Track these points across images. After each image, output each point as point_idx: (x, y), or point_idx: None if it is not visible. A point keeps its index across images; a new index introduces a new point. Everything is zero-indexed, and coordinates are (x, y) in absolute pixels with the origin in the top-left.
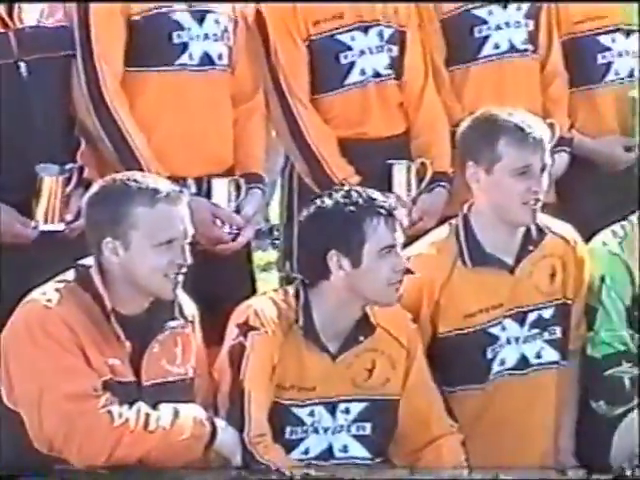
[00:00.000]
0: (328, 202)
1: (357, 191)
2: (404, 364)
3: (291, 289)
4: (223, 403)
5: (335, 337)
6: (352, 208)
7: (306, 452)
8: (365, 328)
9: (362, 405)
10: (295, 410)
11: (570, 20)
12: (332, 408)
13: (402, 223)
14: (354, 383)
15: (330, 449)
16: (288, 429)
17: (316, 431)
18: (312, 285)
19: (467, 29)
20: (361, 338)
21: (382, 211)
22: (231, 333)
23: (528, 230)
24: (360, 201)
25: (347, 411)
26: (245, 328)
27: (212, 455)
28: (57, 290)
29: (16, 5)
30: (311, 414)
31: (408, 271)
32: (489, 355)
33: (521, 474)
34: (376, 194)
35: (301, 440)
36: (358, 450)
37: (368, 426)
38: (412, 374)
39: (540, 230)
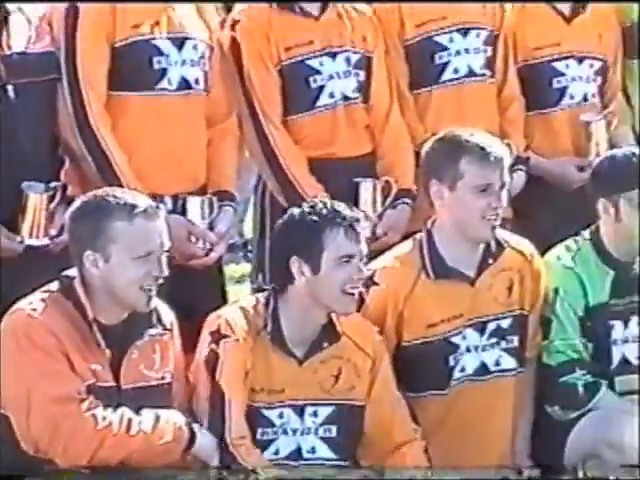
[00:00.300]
0: (296, 212)
1: (323, 203)
2: (369, 373)
3: (262, 297)
4: (203, 408)
5: (301, 343)
6: (315, 218)
7: (276, 452)
8: (330, 335)
9: (329, 409)
10: (265, 412)
11: (527, 47)
12: (300, 411)
13: (364, 235)
14: (322, 388)
15: (299, 450)
16: (259, 430)
17: (285, 432)
18: (280, 292)
19: (429, 55)
20: (325, 344)
21: (343, 222)
22: (204, 341)
23: (488, 245)
24: (324, 212)
25: (315, 414)
26: (217, 336)
27: (190, 458)
28: (42, 300)
29: (4, 32)
30: (280, 416)
31: (373, 283)
32: (451, 362)
33: (481, 474)
34: (340, 206)
35: (272, 441)
36: (325, 452)
37: (334, 429)
38: (377, 383)
39: (499, 244)
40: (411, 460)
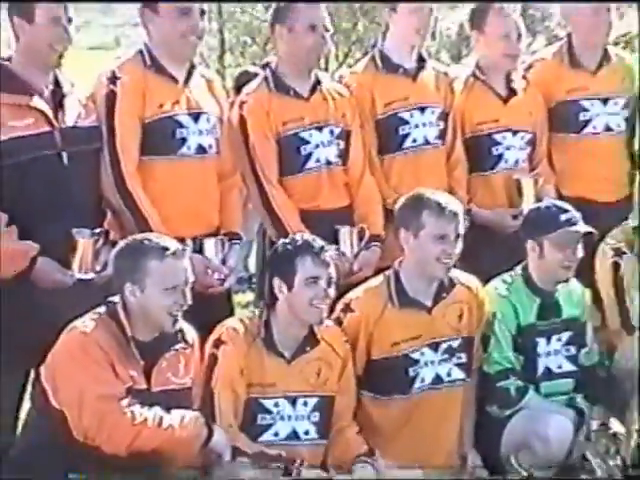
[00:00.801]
0: (279, 244)
1: (299, 236)
2: (339, 370)
3: (257, 311)
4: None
5: (289, 347)
6: (290, 247)
7: (276, 434)
8: (311, 341)
9: (315, 399)
10: (262, 401)
11: (472, 122)
12: (292, 401)
13: (330, 261)
14: (307, 382)
15: (295, 432)
16: (259, 416)
17: (282, 418)
18: (271, 306)
19: (394, 128)
20: (307, 349)
21: (311, 250)
22: (209, 347)
23: (443, 281)
24: (298, 243)
25: (305, 404)
26: (218, 342)
27: (206, 452)
28: (92, 320)
29: (60, 110)
30: (276, 405)
31: (349, 310)
32: (411, 374)
33: (435, 473)
34: (312, 239)
35: (270, 425)
36: (315, 434)
37: (319, 415)
38: (344, 378)
39: (452, 281)
40: (354, 438)
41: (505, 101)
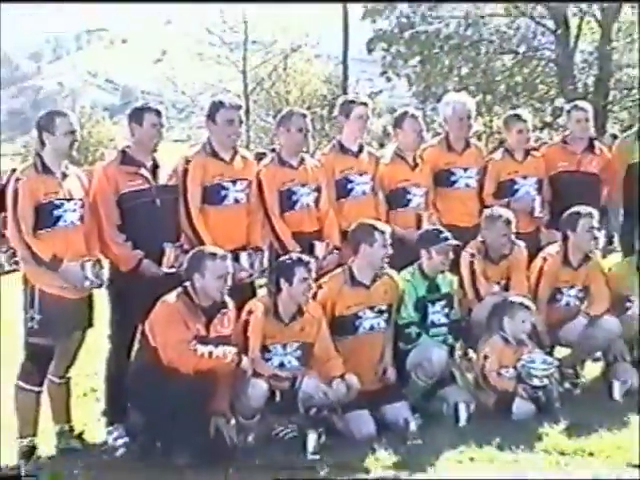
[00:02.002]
0: (283, 259)
1: (296, 255)
2: (316, 327)
3: (271, 295)
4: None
5: (287, 316)
6: (290, 261)
7: (282, 365)
8: (300, 312)
9: (298, 344)
10: (271, 347)
11: (395, 180)
12: (284, 346)
13: (313, 269)
14: (297, 336)
15: (282, 364)
16: (266, 355)
17: (276, 355)
18: (277, 294)
19: (344, 185)
20: (297, 317)
21: (303, 262)
22: (244, 314)
23: (377, 272)
24: (293, 258)
25: (292, 347)
26: (249, 312)
27: (238, 370)
28: (175, 295)
29: (155, 176)
30: (274, 348)
31: (320, 287)
32: (357, 324)
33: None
34: (303, 256)
35: (271, 359)
36: (296, 364)
37: (301, 353)
38: (320, 331)
39: (382, 273)
40: (335, 365)
41: (413, 168)
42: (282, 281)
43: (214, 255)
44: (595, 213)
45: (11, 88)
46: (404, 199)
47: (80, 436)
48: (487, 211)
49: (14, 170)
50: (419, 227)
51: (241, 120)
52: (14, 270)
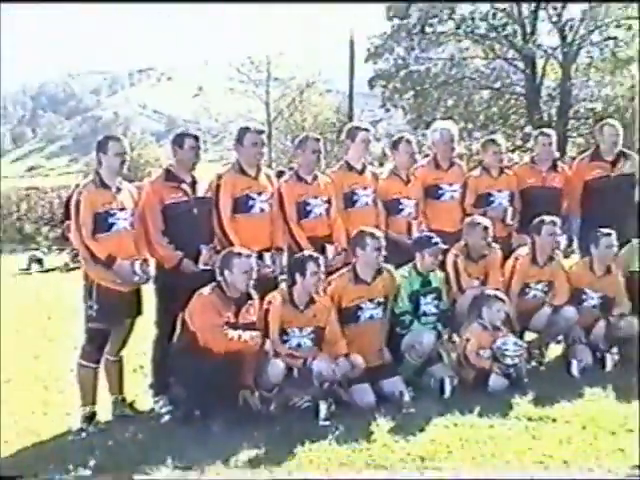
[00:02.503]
0: (296, 256)
1: (308, 252)
2: (326, 313)
3: (287, 287)
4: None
5: (301, 304)
6: (303, 257)
7: (299, 345)
8: (312, 301)
9: (311, 328)
10: (289, 330)
11: (390, 193)
12: (300, 329)
13: (322, 264)
14: (310, 321)
15: (299, 344)
16: (284, 337)
17: (294, 336)
18: (292, 285)
19: (350, 197)
20: (310, 305)
21: (314, 259)
22: (265, 304)
23: (379, 269)
24: (305, 255)
25: (307, 330)
26: (269, 302)
27: (260, 351)
28: (210, 288)
29: (194, 190)
30: (292, 331)
31: (329, 284)
32: (359, 314)
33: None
34: (314, 254)
35: (288, 340)
36: (311, 345)
37: (315, 336)
38: (330, 317)
39: (381, 269)
40: (342, 346)
41: (406, 183)
42: (297, 275)
43: (240, 254)
44: (557, 221)
45: (76, 117)
46: (397, 209)
47: (131, 405)
48: (468, 219)
49: (77, 185)
50: (409, 232)
51: (264, 143)
52: (77, 267)
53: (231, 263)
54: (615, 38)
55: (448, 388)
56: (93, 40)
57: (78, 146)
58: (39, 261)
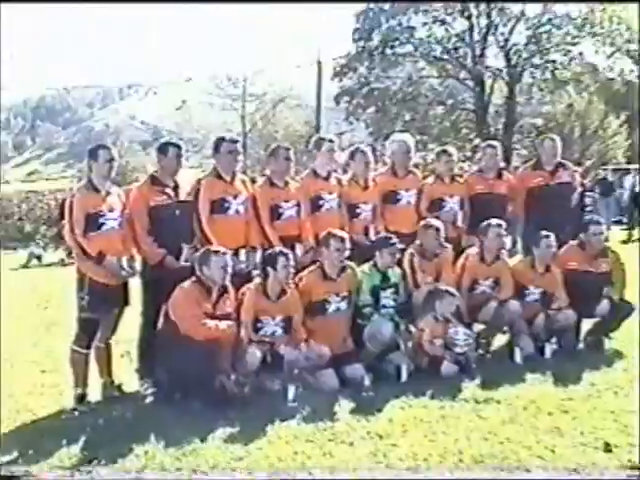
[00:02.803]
0: (270, 251)
1: (279, 249)
2: (295, 304)
3: (261, 279)
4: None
5: (274, 295)
6: (275, 252)
7: (273, 333)
8: (283, 292)
9: (281, 316)
10: (262, 319)
11: (350, 197)
12: (272, 317)
13: (292, 259)
14: (281, 310)
15: (273, 332)
16: (258, 324)
17: (267, 325)
18: (265, 278)
19: (317, 200)
20: (281, 296)
21: (284, 254)
22: (240, 295)
23: (343, 267)
24: (276, 250)
25: (279, 318)
26: (243, 294)
27: (235, 339)
28: (190, 282)
29: (176, 193)
30: (266, 320)
31: (301, 280)
32: (326, 307)
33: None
34: (284, 250)
35: (261, 328)
36: (280, 331)
37: (284, 324)
38: (297, 307)
39: (344, 267)
40: (303, 333)
41: (364, 189)
42: (269, 268)
43: (217, 252)
44: (503, 224)
45: (71, 128)
46: (355, 213)
47: (119, 387)
48: (423, 222)
49: (71, 189)
50: (367, 234)
51: (239, 151)
52: (72, 263)
53: (209, 260)
54: (554, 61)
55: (404, 373)
56: (87, 57)
57: (73, 154)
58: (38, 257)
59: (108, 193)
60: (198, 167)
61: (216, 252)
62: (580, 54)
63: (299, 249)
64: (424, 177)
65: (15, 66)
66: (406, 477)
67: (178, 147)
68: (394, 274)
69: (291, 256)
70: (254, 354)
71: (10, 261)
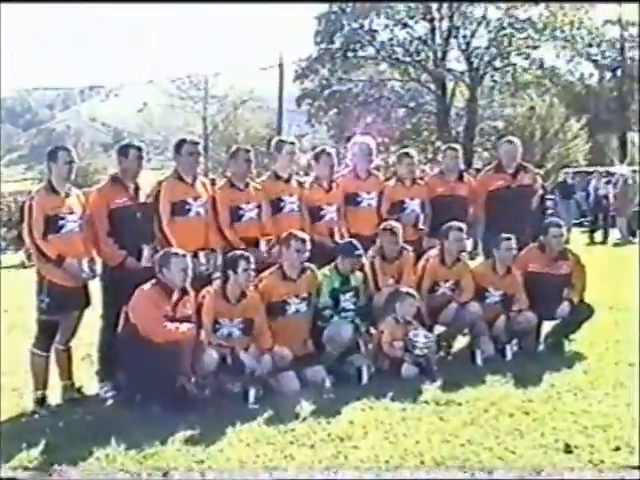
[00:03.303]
0: (231, 254)
1: (241, 252)
2: (257, 307)
3: (220, 283)
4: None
5: (234, 298)
6: (235, 256)
7: (229, 335)
8: (243, 295)
9: (243, 319)
10: (221, 321)
11: (313, 199)
12: (230, 319)
13: (252, 262)
14: (240, 312)
15: (230, 333)
16: (215, 326)
17: (225, 327)
18: (226, 281)
19: (278, 202)
20: (241, 299)
21: (245, 257)
22: (199, 298)
23: (303, 268)
24: (237, 254)
25: (237, 320)
26: (203, 297)
27: (195, 340)
28: (150, 284)
29: (137, 195)
30: (224, 322)
31: (261, 281)
32: (286, 308)
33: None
34: (245, 253)
35: (219, 329)
36: (239, 333)
37: (244, 326)
38: (258, 310)
39: (304, 269)
40: (267, 341)
41: (327, 191)
42: (229, 271)
43: (177, 254)
44: (463, 226)
45: (32, 129)
46: (319, 215)
47: (79, 390)
48: (383, 224)
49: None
50: (332, 235)
51: (199, 153)
52: (32, 265)
53: (169, 262)
54: (515, 65)
55: (365, 375)
56: (48, 58)
57: (34, 155)
58: None
59: (68, 195)
60: (159, 169)
61: (176, 254)
62: (540, 59)
63: (262, 244)
64: (385, 179)
65: None
66: (367, 478)
67: (139, 149)
68: (355, 278)
69: (252, 259)
70: (211, 355)
71: None
